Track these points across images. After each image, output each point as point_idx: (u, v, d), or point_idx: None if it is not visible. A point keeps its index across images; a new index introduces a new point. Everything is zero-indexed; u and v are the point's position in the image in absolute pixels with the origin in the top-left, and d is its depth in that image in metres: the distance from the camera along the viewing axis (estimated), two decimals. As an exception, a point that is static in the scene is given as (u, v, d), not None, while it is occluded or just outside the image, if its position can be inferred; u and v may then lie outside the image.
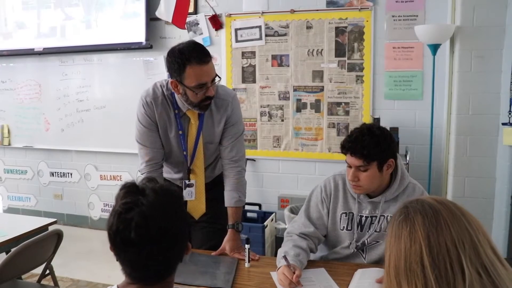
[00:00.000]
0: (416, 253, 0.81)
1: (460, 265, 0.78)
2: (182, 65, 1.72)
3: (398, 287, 0.83)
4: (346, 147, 1.67)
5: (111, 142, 4.15)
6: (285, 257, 1.60)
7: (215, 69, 1.81)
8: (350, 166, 1.69)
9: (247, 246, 1.77)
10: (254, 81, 3.71)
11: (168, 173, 2.11)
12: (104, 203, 4.37)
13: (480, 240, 0.81)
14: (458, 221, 0.82)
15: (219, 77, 1.83)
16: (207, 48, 1.81)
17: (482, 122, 2.99)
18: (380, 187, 1.73)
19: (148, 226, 0.93)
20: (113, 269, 3.74)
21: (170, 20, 3.12)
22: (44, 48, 4.20)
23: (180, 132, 1.93)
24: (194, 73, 1.72)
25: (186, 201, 1.99)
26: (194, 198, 2.01)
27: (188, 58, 1.71)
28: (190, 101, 1.81)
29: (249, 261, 1.78)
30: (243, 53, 3.71)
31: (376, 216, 1.76)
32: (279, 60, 3.63)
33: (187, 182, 2.01)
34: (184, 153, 1.97)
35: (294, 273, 1.52)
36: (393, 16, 3.35)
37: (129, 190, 1.00)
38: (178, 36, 3.77)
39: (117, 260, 0.99)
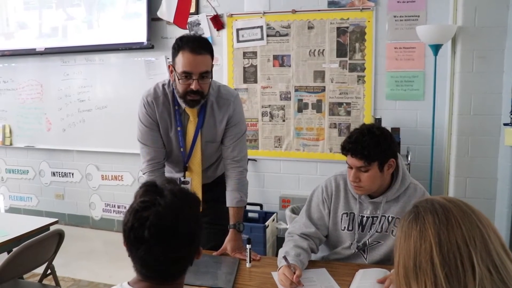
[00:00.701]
0: (426, 251, 0.80)
1: (470, 262, 0.77)
2: (177, 50, 1.78)
3: (407, 287, 0.83)
4: (346, 148, 1.67)
5: (113, 142, 4.16)
6: (285, 257, 1.60)
7: (209, 67, 1.81)
8: (351, 167, 1.68)
9: (248, 246, 1.77)
10: (255, 81, 3.71)
11: (170, 173, 2.11)
12: (105, 203, 4.37)
13: (491, 237, 0.80)
14: (469, 218, 0.82)
15: (211, 77, 1.83)
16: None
17: (483, 123, 2.99)
18: (381, 187, 1.73)
19: (162, 226, 0.94)
20: (115, 269, 3.75)
21: (171, 20, 3.12)
22: (45, 48, 4.20)
23: (179, 129, 1.94)
24: (183, 59, 1.76)
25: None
26: None
27: (184, 44, 1.76)
28: (177, 90, 1.84)
29: (250, 261, 1.78)
30: (244, 53, 3.71)
31: (377, 217, 1.75)
32: (281, 60, 3.63)
33: (182, 179, 2.02)
34: (181, 149, 1.98)
35: (294, 273, 1.52)
36: (394, 17, 3.35)
37: (148, 189, 1.01)
38: (179, 36, 3.77)
39: (128, 256, 1.00)
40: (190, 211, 1.01)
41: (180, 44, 1.77)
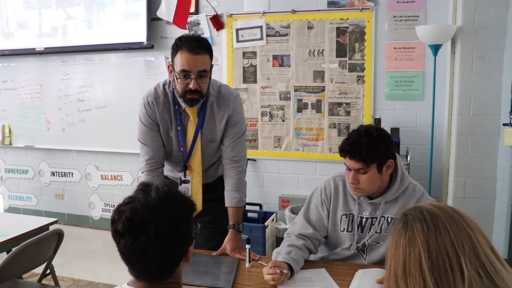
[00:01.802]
0: (415, 258, 0.82)
1: (459, 266, 0.79)
2: (176, 50, 1.80)
3: None
4: (344, 151, 1.66)
5: (112, 142, 4.16)
6: (261, 264, 1.62)
7: (207, 66, 1.81)
8: (349, 169, 1.68)
9: (247, 246, 1.77)
10: (255, 81, 3.71)
11: (171, 172, 2.12)
12: (105, 203, 4.37)
13: (479, 240, 0.82)
14: (457, 223, 0.83)
15: (210, 77, 1.84)
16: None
17: (483, 123, 2.99)
18: (380, 188, 1.73)
19: (134, 221, 0.96)
20: (114, 269, 3.74)
21: (171, 20, 3.12)
22: (45, 48, 4.20)
23: (179, 128, 1.95)
24: (181, 58, 1.77)
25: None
26: (190, 195, 2.02)
27: (182, 44, 1.78)
28: (177, 90, 1.85)
29: (249, 261, 1.78)
30: (244, 53, 3.71)
31: (376, 217, 1.75)
32: (280, 60, 3.63)
33: (182, 178, 2.02)
34: (181, 149, 1.98)
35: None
36: (394, 17, 3.35)
37: (139, 188, 1.03)
38: (179, 36, 3.77)
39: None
40: (170, 212, 0.99)
41: (179, 44, 1.79)
